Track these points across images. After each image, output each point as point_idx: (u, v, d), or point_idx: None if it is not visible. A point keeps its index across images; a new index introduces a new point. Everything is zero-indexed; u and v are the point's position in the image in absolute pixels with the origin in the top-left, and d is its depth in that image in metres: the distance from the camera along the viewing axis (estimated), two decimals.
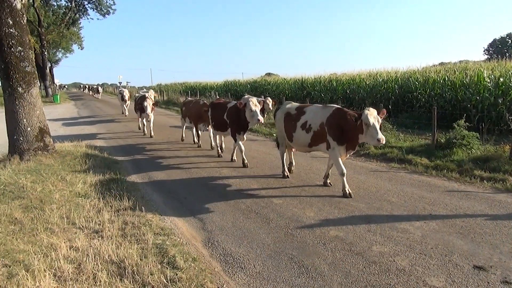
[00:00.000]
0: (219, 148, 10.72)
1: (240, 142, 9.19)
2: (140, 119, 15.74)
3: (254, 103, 8.46)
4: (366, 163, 9.61)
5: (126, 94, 23.19)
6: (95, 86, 54.90)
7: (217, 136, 10.84)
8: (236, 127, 9.12)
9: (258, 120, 8.33)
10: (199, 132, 12.26)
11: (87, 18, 48.76)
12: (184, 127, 13.66)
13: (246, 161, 9.22)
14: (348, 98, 18.97)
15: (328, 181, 7.44)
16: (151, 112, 14.23)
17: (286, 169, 8.13)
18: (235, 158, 9.90)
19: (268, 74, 43.07)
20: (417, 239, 4.89)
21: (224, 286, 3.93)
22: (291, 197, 6.81)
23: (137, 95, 17.44)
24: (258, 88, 28.67)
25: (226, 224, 5.64)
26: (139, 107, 14.71)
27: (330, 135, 6.67)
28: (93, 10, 45.57)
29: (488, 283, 3.83)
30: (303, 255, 4.58)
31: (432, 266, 4.21)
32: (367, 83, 19.00)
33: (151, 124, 14.79)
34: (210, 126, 10.99)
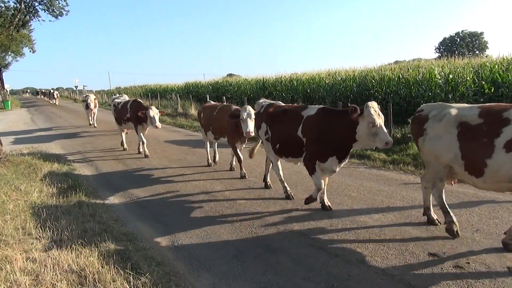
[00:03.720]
0: (274, 184, 7.27)
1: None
2: (132, 132, 11.77)
3: (376, 112, 5.06)
4: None
5: (92, 101, 18.96)
6: (51, 91, 52.50)
7: (270, 162, 7.07)
8: (326, 151, 5.59)
9: (387, 143, 4.92)
10: (239, 152, 8.29)
11: (38, 20, 46.60)
12: (209, 145, 9.70)
13: (327, 203, 6.02)
14: (309, 97, 19.32)
15: None
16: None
17: (455, 222, 4.81)
18: (329, 204, 6.05)
19: (230, 75, 43.06)
20: (376, 231, 5.09)
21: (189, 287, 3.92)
22: (254, 196, 6.87)
23: (117, 100, 12.90)
24: (220, 89, 28.57)
25: (190, 227, 5.61)
26: (134, 117, 10.96)
27: None
28: (45, 12, 43.59)
29: (442, 268, 4.05)
30: (268, 253, 4.64)
31: (390, 255, 4.39)
32: (327, 82, 19.41)
33: (144, 140, 11.24)
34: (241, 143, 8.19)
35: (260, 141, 7.43)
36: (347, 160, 5.77)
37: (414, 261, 4.23)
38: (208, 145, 9.66)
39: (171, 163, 9.93)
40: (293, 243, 4.84)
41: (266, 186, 7.27)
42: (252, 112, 7.17)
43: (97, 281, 3.85)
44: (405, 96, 14.91)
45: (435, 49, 62.78)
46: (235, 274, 4.20)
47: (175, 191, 7.44)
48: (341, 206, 6.13)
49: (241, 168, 8.31)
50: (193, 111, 21.42)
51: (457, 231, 4.76)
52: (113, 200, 7.04)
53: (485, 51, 54.06)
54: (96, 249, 4.59)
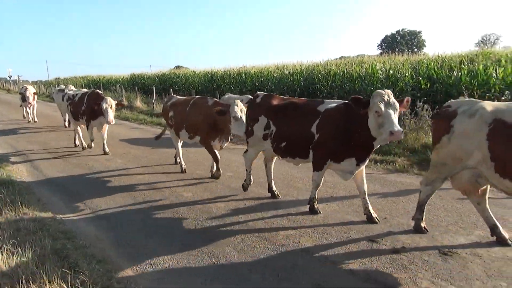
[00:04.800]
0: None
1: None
2: (86, 129, 10.41)
3: (385, 99, 4.47)
4: None
5: (30, 93, 16.66)
6: None
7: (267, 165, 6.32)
8: (344, 151, 4.99)
9: (391, 133, 4.32)
10: (217, 153, 7.36)
11: None
12: (180, 146, 8.26)
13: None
14: (257, 90, 19.43)
15: None
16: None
17: (423, 219, 4.80)
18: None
19: (178, 67, 42.28)
20: (320, 220, 5.25)
21: (132, 285, 3.80)
22: (201, 189, 6.80)
23: (71, 92, 11.85)
24: (167, 81, 27.92)
25: (134, 222, 5.44)
26: (89, 111, 9.73)
27: None
28: None
29: (380, 253, 4.26)
30: (214, 246, 4.61)
31: (333, 243, 4.55)
32: (275, 75, 19.70)
33: (105, 136, 10.18)
34: (218, 142, 7.24)
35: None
36: (366, 162, 5.16)
37: (355, 248, 4.41)
38: (180, 147, 8.23)
39: (114, 157, 9.56)
40: (239, 235, 4.86)
41: (274, 196, 6.25)
42: (244, 107, 6.47)
43: (31, 282, 3.61)
44: (349, 90, 15.43)
45: (378, 46, 65.50)
46: (180, 268, 4.14)
47: (117, 185, 7.18)
48: (287, 197, 6.25)
49: (218, 169, 7.39)
50: (138, 103, 20.79)
51: (424, 227, 4.76)
52: (51, 196, 6.64)
53: (423, 49, 57.28)
54: (31, 248, 4.29)
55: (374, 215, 5.19)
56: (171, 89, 19.70)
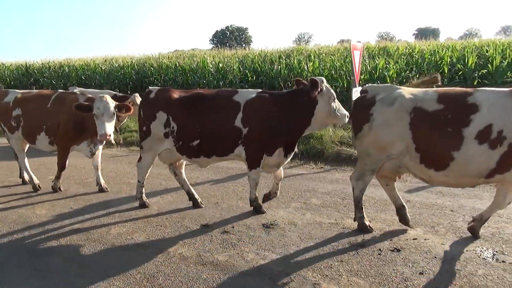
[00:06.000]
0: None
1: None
2: None
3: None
4: (106, 150, 9.40)
5: None
6: None
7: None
8: (277, 142, 4.82)
9: (348, 116, 4.68)
10: (66, 159, 6.15)
11: None
12: (24, 153, 6.57)
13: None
14: (84, 84, 17.97)
15: None
16: None
17: (365, 216, 4.54)
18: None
19: None
20: (154, 213, 5.22)
21: None
22: (17, 198, 5.96)
23: None
24: None
25: None
26: None
27: None
28: None
29: (212, 236, 4.48)
30: (33, 258, 4.11)
31: (167, 234, 4.58)
32: (103, 68, 18.58)
33: None
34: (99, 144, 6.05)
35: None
36: (293, 154, 5.04)
37: (188, 235, 4.53)
38: (25, 158, 6.46)
39: None
40: (64, 242, 4.44)
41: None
42: (112, 105, 5.22)
43: None
44: (182, 83, 15.67)
45: (210, 40, 67.90)
46: None
47: None
48: (119, 194, 6.01)
49: (57, 177, 6.22)
50: None
51: (369, 225, 4.44)
52: None
53: (250, 44, 61.94)
54: None
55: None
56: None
